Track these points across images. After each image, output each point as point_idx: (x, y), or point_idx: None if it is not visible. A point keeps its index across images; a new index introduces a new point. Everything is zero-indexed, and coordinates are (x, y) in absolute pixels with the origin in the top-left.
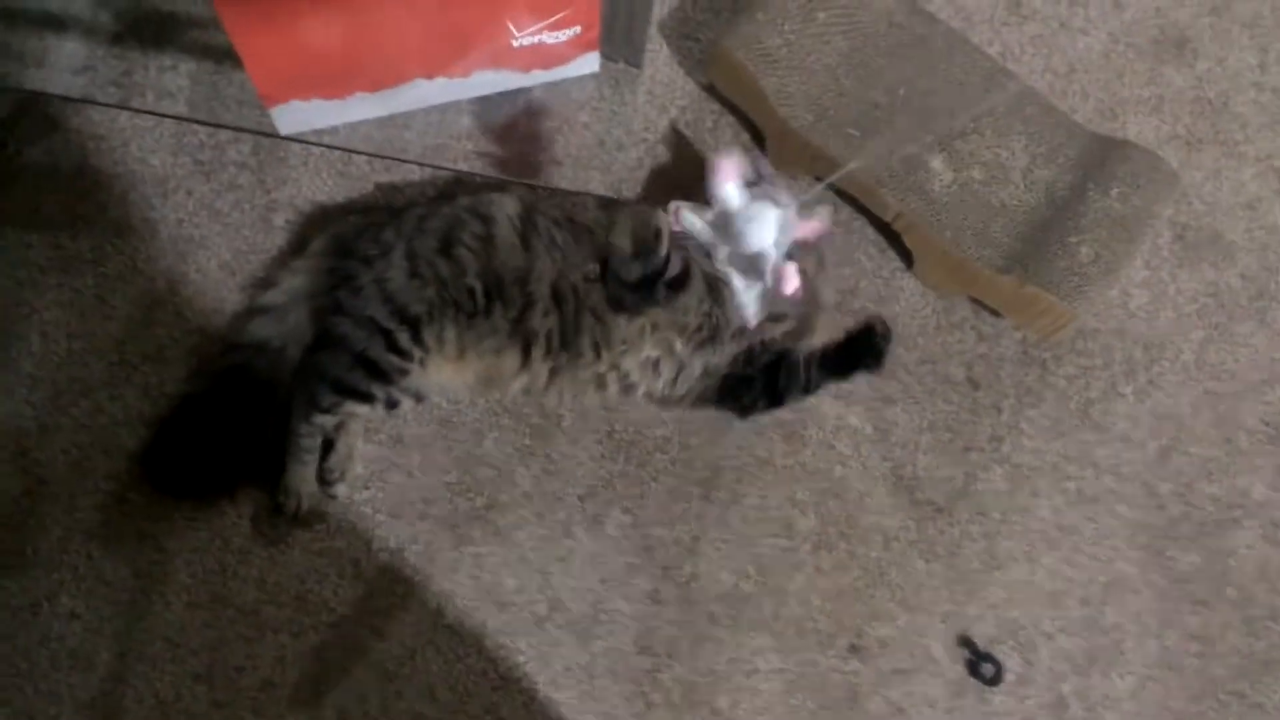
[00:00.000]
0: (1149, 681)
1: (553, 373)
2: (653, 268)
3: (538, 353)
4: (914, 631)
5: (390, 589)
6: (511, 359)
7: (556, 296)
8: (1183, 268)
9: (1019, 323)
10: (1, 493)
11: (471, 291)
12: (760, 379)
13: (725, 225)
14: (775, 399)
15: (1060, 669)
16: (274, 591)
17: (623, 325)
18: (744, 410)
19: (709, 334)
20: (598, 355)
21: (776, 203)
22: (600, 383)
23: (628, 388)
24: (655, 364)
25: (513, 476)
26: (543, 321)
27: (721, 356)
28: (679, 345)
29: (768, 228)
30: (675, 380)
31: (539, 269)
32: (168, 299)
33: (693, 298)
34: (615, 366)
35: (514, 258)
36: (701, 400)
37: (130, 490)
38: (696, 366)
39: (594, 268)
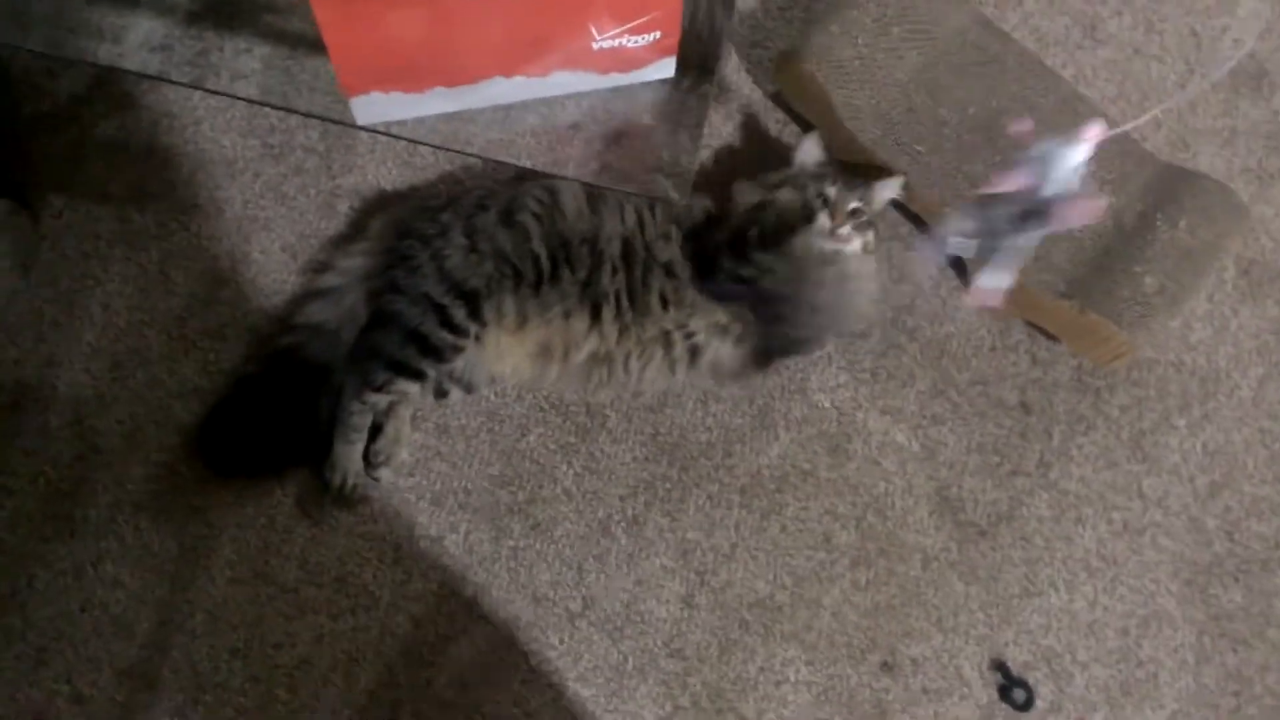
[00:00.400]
0: (1182, 717)
1: (621, 332)
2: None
3: (608, 313)
4: (947, 653)
5: (428, 576)
6: (580, 322)
7: (626, 255)
8: (1245, 303)
9: (1076, 350)
10: (56, 459)
11: (536, 258)
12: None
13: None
14: None
15: (1093, 699)
16: (315, 572)
17: (692, 287)
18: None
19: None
20: (665, 310)
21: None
22: (667, 343)
23: (694, 350)
24: (724, 326)
25: (554, 473)
26: (612, 281)
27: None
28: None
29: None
30: (739, 342)
31: (608, 229)
32: (230, 278)
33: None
34: (683, 325)
35: (581, 221)
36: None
37: (181, 464)
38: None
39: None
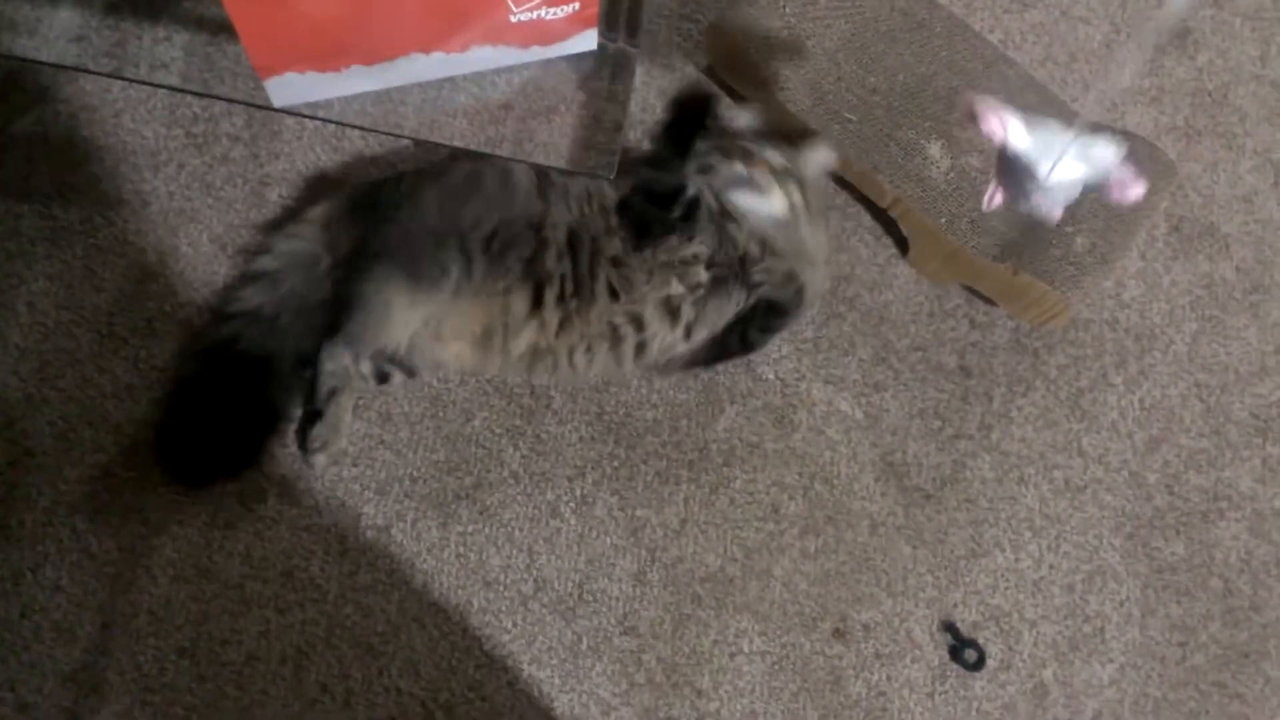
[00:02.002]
0: (1130, 670)
1: (564, 321)
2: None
3: (550, 296)
4: (898, 616)
5: (376, 566)
6: (521, 302)
7: (572, 244)
8: (1177, 260)
9: (1013, 312)
10: None
11: (490, 236)
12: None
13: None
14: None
15: (1042, 656)
16: (260, 567)
17: (641, 270)
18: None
19: (726, 272)
20: (614, 300)
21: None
22: (615, 336)
23: (641, 345)
24: (675, 309)
25: (501, 456)
26: (557, 265)
27: (732, 304)
28: (701, 276)
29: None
30: (690, 329)
31: (554, 216)
32: (158, 272)
33: (705, 229)
34: (634, 317)
35: (530, 204)
36: (702, 356)
37: (116, 464)
38: (710, 313)
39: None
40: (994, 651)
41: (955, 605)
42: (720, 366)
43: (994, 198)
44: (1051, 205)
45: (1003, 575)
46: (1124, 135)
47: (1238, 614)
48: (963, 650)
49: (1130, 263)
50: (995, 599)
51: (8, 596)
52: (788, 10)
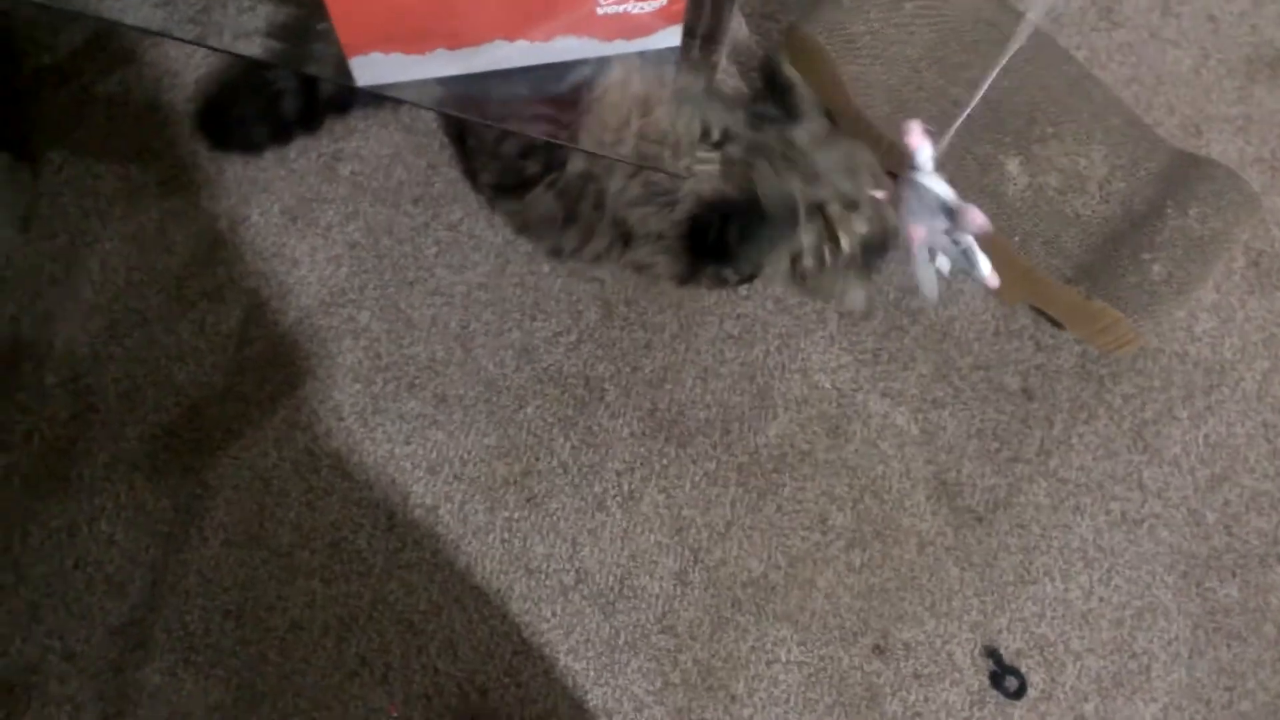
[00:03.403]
0: (1174, 711)
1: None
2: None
3: None
4: (940, 638)
5: (422, 544)
6: None
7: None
8: (1253, 295)
9: (1081, 336)
10: (51, 416)
11: None
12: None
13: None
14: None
15: (1084, 689)
16: (309, 537)
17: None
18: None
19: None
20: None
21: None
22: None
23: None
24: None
25: (551, 445)
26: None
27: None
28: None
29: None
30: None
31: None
32: (229, 239)
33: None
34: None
35: None
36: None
37: (178, 425)
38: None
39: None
40: (1036, 681)
41: (1000, 631)
42: (776, 372)
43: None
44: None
45: (1050, 604)
46: (1208, 163)
47: None
48: (1004, 677)
49: (1205, 294)
50: (1041, 628)
51: (63, 547)
52: (872, 15)
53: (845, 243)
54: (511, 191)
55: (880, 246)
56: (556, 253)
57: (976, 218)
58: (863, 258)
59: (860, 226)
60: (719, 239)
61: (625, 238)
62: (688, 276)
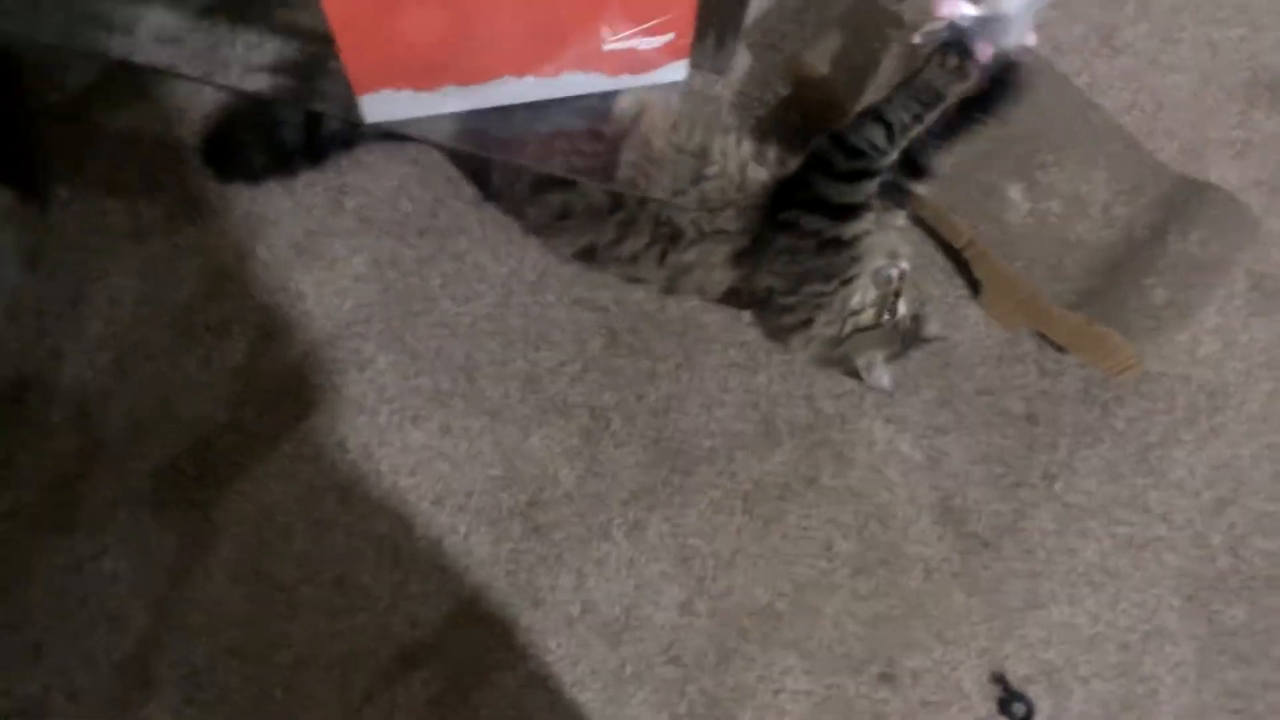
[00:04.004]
0: None
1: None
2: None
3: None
4: (947, 665)
5: (427, 577)
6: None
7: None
8: (1256, 317)
9: (1085, 360)
10: (57, 451)
11: None
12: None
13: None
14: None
15: (1093, 714)
16: (313, 571)
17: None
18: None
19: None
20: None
21: None
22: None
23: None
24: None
25: (557, 475)
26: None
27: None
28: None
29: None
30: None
31: None
32: (236, 274)
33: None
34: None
35: None
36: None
37: (183, 460)
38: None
39: None
40: (1043, 707)
41: (1007, 657)
42: (780, 399)
43: (985, 51)
44: (1023, 28)
45: (1057, 629)
46: (1209, 187)
47: None
48: (1011, 703)
49: (1207, 318)
50: (1048, 653)
51: (67, 583)
52: (874, 45)
53: (904, 306)
54: (559, 184)
55: (915, 333)
56: (589, 252)
57: None
58: (902, 336)
59: (911, 304)
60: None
61: (672, 238)
62: (751, 250)
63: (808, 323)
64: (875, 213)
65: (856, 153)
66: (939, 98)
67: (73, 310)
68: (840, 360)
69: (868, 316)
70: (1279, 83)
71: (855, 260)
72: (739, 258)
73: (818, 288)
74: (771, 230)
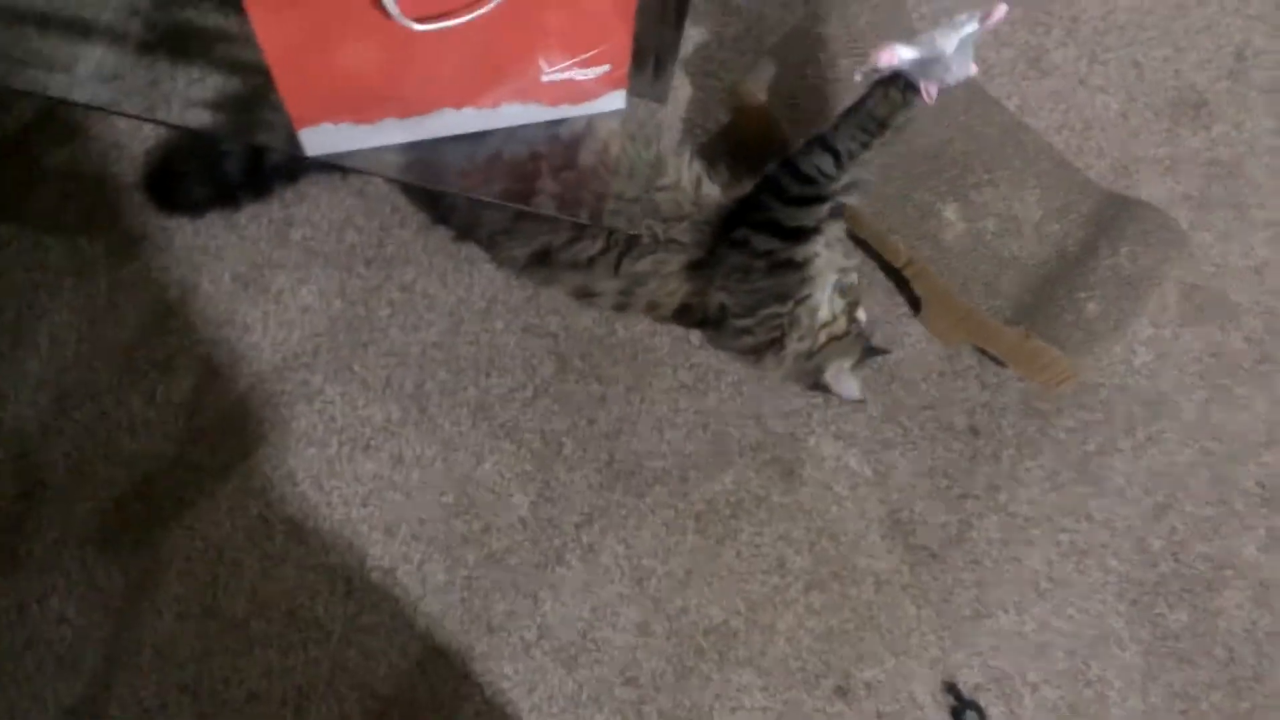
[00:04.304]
0: None
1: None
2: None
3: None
4: (900, 676)
5: (380, 608)
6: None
7: None
8: (1187, 328)
9: (1024, 374)
10: (0, 493)
11: None
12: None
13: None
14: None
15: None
16: (264, 605)
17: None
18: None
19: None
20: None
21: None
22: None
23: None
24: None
25: (509, 501)
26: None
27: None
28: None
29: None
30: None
31: None
32: (179, 309)
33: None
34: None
35: None
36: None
37: (128, 497)
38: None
39: None
40: (995, 714)
41: (958, 666)
42: (730, 419)
43: (930, 93)
44: (963, 63)
45: (1006, 637)
46: (1136, 203)
47: (1240, 684)
48: (964, 712)
49: (1141, 330)
50: (998, 661)
51: (13, 626)
52: (809, 72)
53: (863, 313)
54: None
55: (868, 340)
56: (543, 256)
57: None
58: (863, 344)
59: (866, 310)
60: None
61: (627, 244)
62: (703, 264)
63: (777, 341)
64: (825, 234)
65: (806, 179)
66: (883, 127)
67: (13, 350)
68: (812, 372)
69: (839, 326)
70: (1203, 101)
71: (806, 281)
72: (692, 269)
73: (773, 309)
74: (725, 247)
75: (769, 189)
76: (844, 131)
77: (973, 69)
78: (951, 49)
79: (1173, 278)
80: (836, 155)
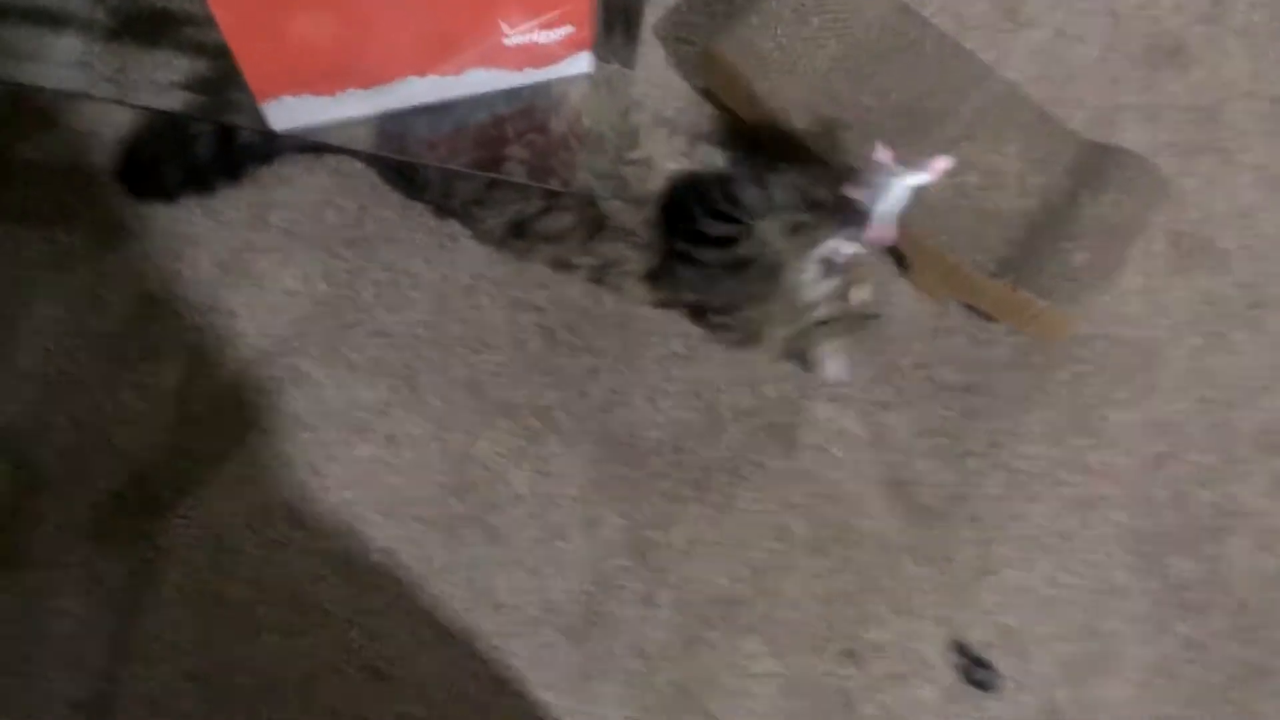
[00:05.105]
0: (1143, 688)
1: None
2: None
3: None
4: (908, 636)
5: (383, 589)
6: None
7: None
8: (1177, 275)
9: (1013, 326)
10: None
11: None
12: None
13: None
14: None
15: (1054, 675)
16: (267, 591)
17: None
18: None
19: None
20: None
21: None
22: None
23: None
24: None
25: (507, 478)
26: None
27: None
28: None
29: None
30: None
31: None
32: (162, 297)
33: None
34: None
35: None
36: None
37: (125, 489)
38: None
39: None
40: (1006, 671)
41: (967, 625)
42: (723, 386)
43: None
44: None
45: (1013, 594)
46: (1117, 151)
47: (1249, 631)
48: (974, 670)
49: (1131, 279)
50: (1006, 618)
51: (16, 623)
52: (779, 31)
53: (866, 292)
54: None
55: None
56: (518, 228)
57: (940, 162)
58: (856, 324)
59: (868, 289)
60: (693, 206)
61: (596, 223)
62: (660, 273)
63: (759, 333)
64: (775, 220)
65: (734, 200)
66: (814, 209)
67: None
68: (802, 353)
69: (831, 308)
70: (1180, 47)
71: (776, 268)
72: (652, 277)
73: (749, 308)
74: (672, 260)
75: (695, 195)
76: (786, 181)
77: (893, 232)
78: (882, 210)
79: (1159, 226)
80: (770, 200)
